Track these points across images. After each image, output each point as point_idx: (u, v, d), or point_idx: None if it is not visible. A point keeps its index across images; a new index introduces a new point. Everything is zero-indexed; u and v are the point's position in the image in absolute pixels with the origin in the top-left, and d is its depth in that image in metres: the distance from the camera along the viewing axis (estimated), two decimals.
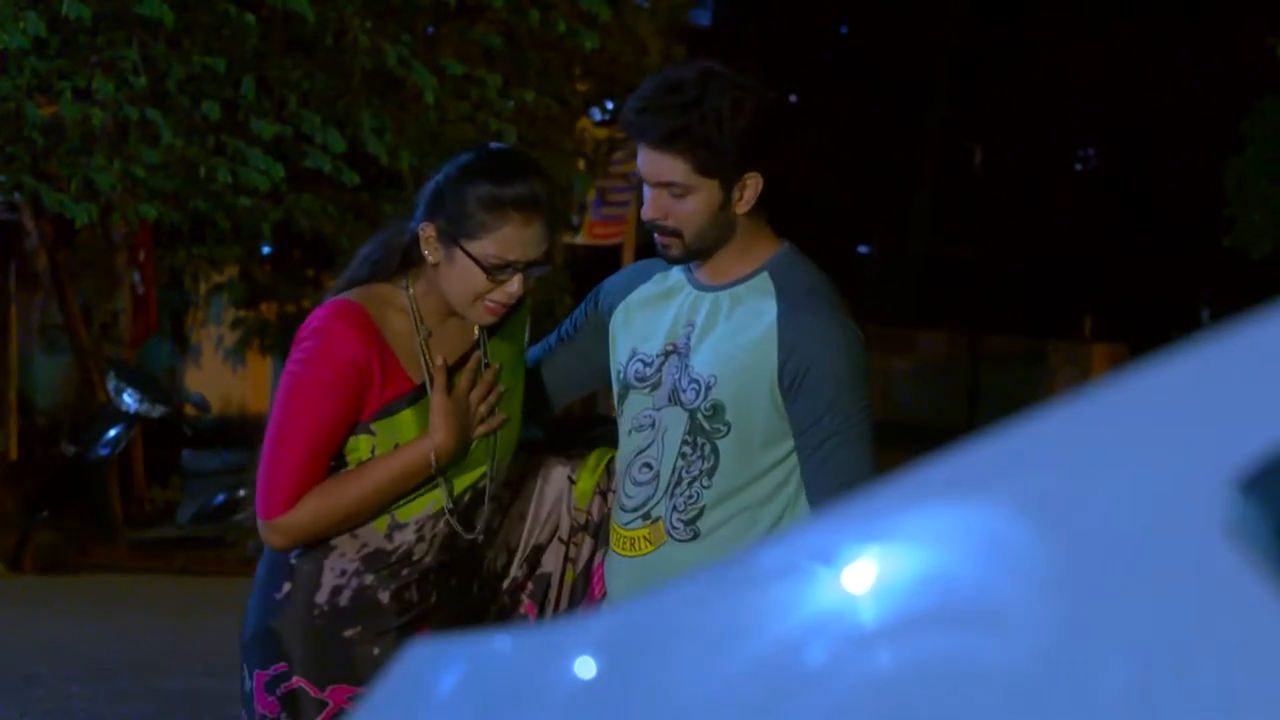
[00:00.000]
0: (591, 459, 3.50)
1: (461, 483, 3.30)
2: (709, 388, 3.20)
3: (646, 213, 3.19)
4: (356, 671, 3.19)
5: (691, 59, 3.28)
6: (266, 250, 15.15)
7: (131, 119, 10.19)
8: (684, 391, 3.23)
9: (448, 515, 3.28)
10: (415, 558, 3.26)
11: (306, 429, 3.17)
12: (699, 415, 3.21)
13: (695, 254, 3.23)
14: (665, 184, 3.15)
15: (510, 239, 3.17)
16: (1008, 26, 28.26)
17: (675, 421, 3.24)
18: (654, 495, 3.25)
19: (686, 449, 3.22)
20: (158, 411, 12.39)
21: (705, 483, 3.20)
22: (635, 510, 3.28)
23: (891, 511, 1.36)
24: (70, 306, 13.56)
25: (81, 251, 14.49)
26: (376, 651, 3.22)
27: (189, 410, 14.32)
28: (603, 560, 3.39)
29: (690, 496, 3.21)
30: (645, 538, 3.26)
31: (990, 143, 29.29)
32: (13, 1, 9.78)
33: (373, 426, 3.21)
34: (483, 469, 3.32)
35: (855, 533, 1.37)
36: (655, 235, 3.24)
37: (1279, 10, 19.81)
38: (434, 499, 3.27)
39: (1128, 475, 1.21)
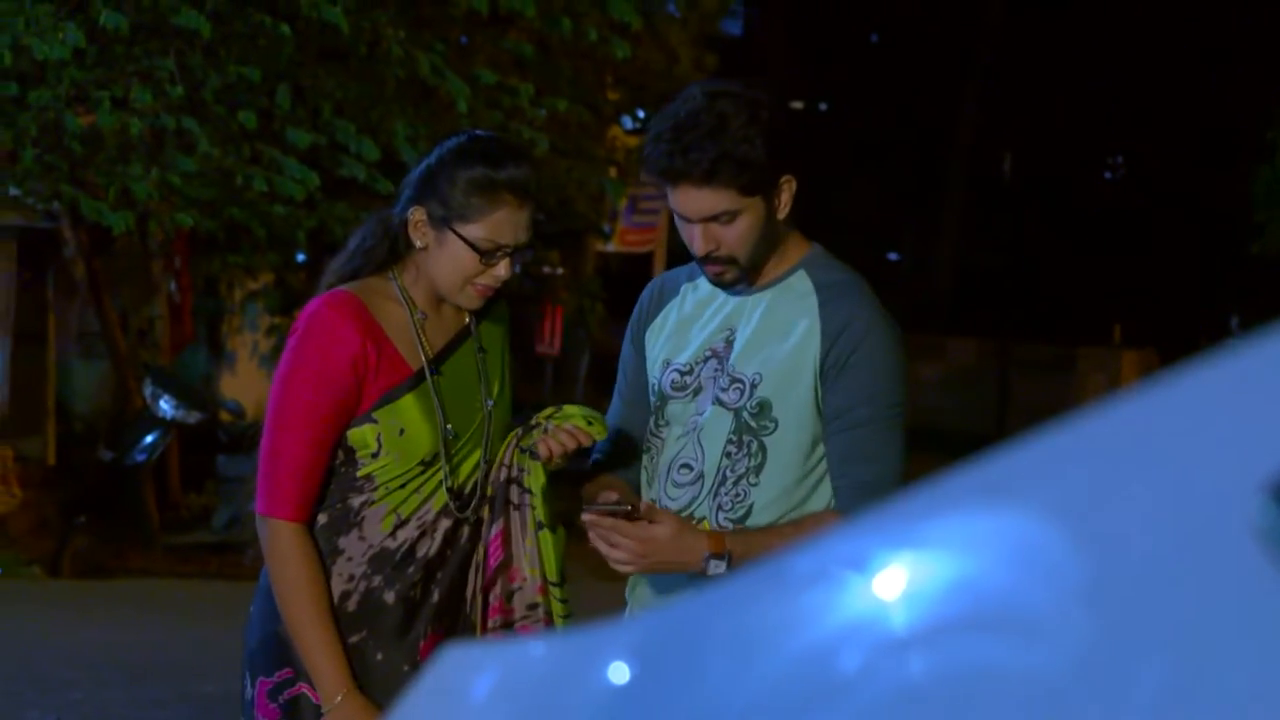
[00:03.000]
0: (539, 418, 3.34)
1: (460, 474, 3.27)
2: (754, 386, 3.18)
3: (699, 248, 3.15)
4: (363, 678, 3.17)
5: (684, 90, 3.22)
6: (301, 258, 15.17)
7: (168, 128, 10.24)
8: (724, 392, 3.20)
9: (451, 506, 3.25)
10: (419, 554, 3.23)
11: (302, 418, 3.15)
12: (744, 414, 3.18)
13: (749, 273, 3.21)
14: (714, 216, 3.12)
15: (503, 222, 3.15)
16: (1037, 37, 28.18)
17: (717, 422, 3.21)
18: (698, 496, 3.20)
19: (732, 448, 3.19)
20: (193, 418, 12.43)
21: (753, 480, 3.17)
22: (679, 513, 3.19)
23: (923, 518, 1.35)
24: (107, 314, 13.61)
25: (119, 259, 14.54)
26: (380, 657, 3.20)
27: (224, 416, 14.35)
28: (500, 531, 3.30)
29: (738, 495, 3.17)
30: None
31: (1020, 151, 29.20)
32: (52, 13, 9.82)
33: (374, 415, 3.18)
34: (477, 458, 3.29)
35: (887, 539, 1.36)
36: (705, 267, 3.21)
37: None
38: (437, 493, 3.24)
39: (1159, 482, 1.21)
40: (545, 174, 12.90)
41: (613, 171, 15.07)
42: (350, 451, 3.20)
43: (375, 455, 3.19)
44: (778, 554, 1.47)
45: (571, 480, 3.48)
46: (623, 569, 3.06)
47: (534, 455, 3.24)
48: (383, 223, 3.29)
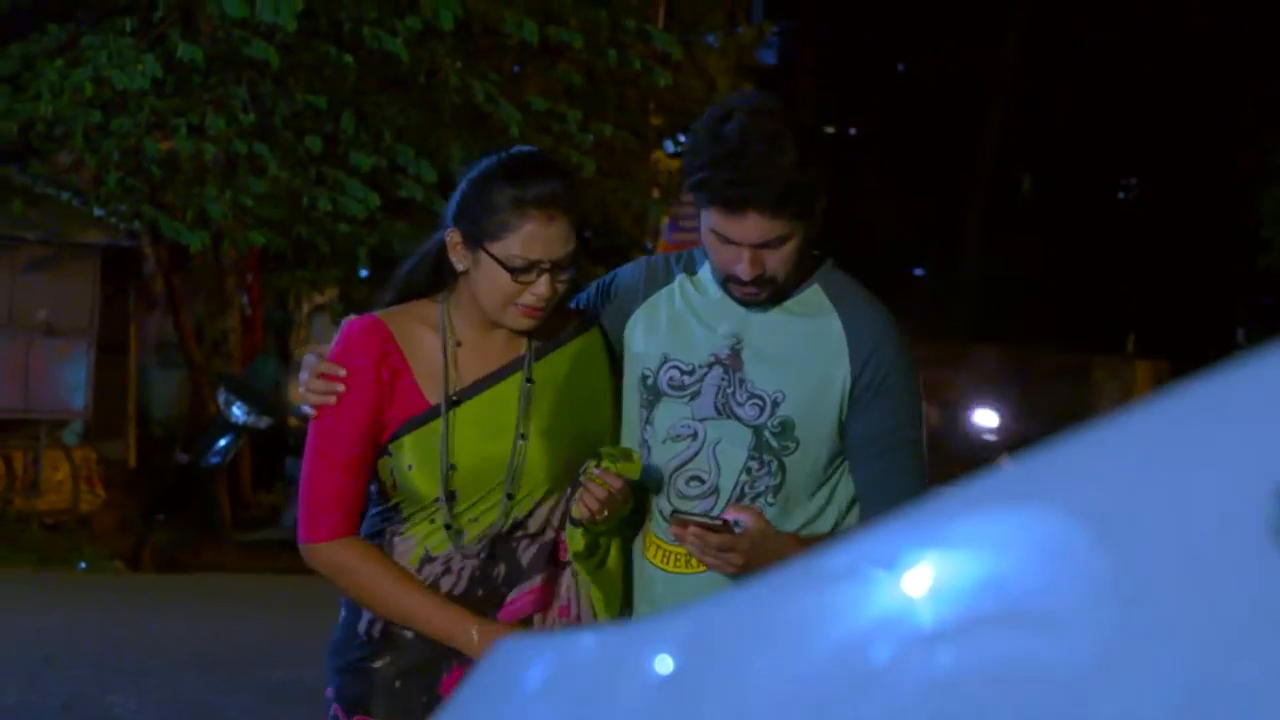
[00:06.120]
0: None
1: (489, 517, 2.97)
2: (776, 404, 2.97)
3: (747, 273, 2.90)
4: (378, 702, 2.98)
5: (718, 108, 2.95)
6: (364, 273, 15.24)
7: (240, 153, 10.30)
8: (740, 407, 2.98)
9: (476, 550, 2.97)
10: (442, 590, 2.97)
11: (328, 443, 2.94)
12: (765, 433, 2.97)
13: (782, 291, 2.99)
14: (767, 242, 2.89)
15: (532, 237, 2.88)
16: (1055, 64, 28.09)
17: (733, 437, 2.98)
18: (711, 510, 2.96)
19: (752, 464, 2.97)
20: (264, 423, 12.48)
21: (770, 499, 2.97)
22: None
23: (949, 518, 1.34)
24: (184, 326, 13.69)
25: (194, 275, 14.63)
26: (398, 685, 2.98)
27: (293, 421, 14.41)
28: (539, 588, 3.00)
29: None
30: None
31: (1039, 172, 29.12)
32: (132, 45, 9.89)
33: (389, 448, 2.95)
34: (499, 500, 2.97)
35: (915, 539, 1.35)
36: (740, 289, 2.96)
37: None
38: (463, 534, 2.98)
39: (1178, 484, 1.20)
40: (592, 195, 12.91)
41: (655, 192, 15.08)
42: (380, 481, 2.99)
43: (395, 487, 2.97)
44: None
45: None
46: (718, 571, 2.85)
47: (574, 522, 2.95)
48: (428, 246, 3.06)
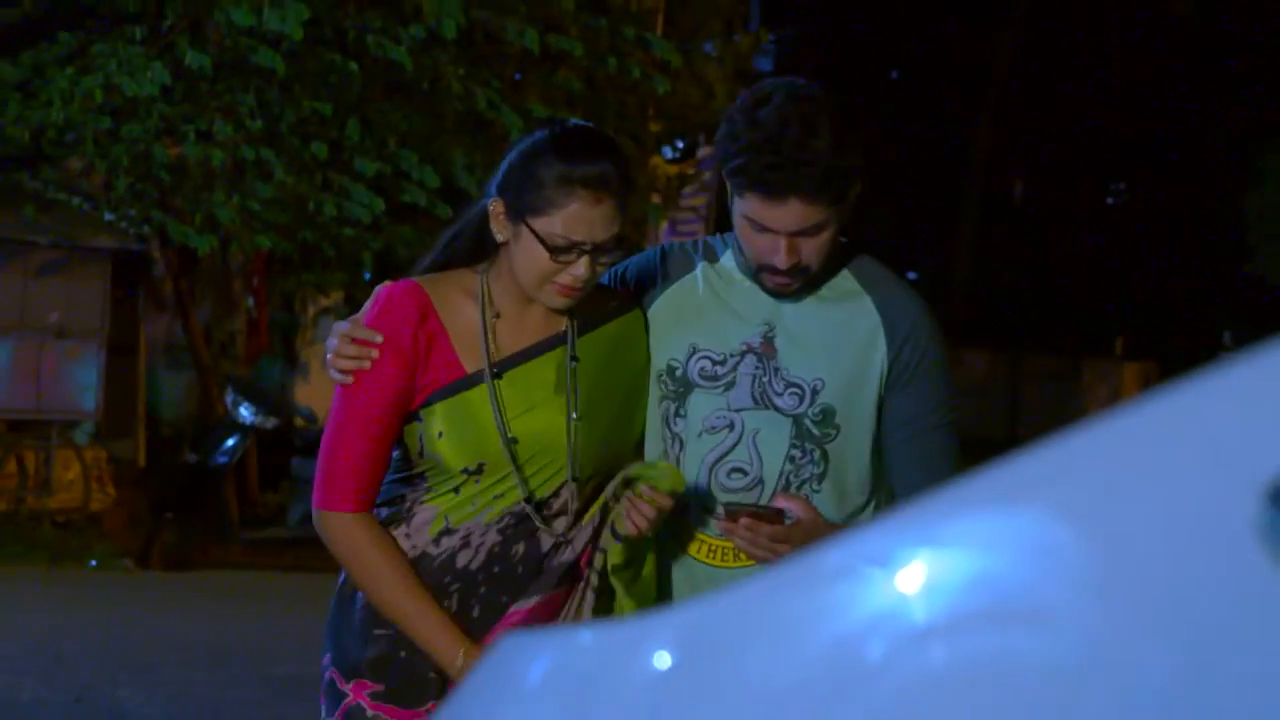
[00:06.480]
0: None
1: (516, 494, 2.82)
2: (815, 392, 2.84)
3: (784, 261, 2.76)
4: (378, 669, 2.84)
5: (756, 90, 2.83)
6: (368, 276, 15.24)
7: (248, 158, 10.30)
8: (778, 396, 2.85)
9: (499, 525, 2.83)
10: (459, 565, 2.82)
11: (355, 409, 2.79)
12: (806, 421, 2.85)
13: (813, 279, 2.86)
14: (804, 229, 2.76)
15: (577, 218, 2.72)
16: (1046, 72, 28.10)
17: (773, 426, 2.85)
18: (758, 502, 2.82)
19: (795, 453, 2.84)
20: (270, 423, 12.48)
21: (816, 487, 2.85)
22: None
23: (942, 518, 1.35)
24: (192, 328, 13.69)
25: (203, 278, 14.63)
26: (403, 655, 2.83)
27: (298, 422, 14.43)
28: (548, 601, 2.86)
29: None
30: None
31: (1030, 178, 29.13)
32: (141, 53, 9.89)
33: (420, 414, 2.80)
34: (557, 476, 2.83)
35: (909, 538, 1.35)
36: (773, 278, 2.82)
37: None
38: (495, 505, 2.83)
39: (1165, 484, 1.20)
40: None
41: (655, 198, 15.07)
42: (405, 447, 2.84)
43: (422, 454, 2.82)
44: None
45: None
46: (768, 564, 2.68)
47: (617, 537, 2.82)
48: (473, 214, 2.90)
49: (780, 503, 2.72)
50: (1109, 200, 32.27)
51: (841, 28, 28.70)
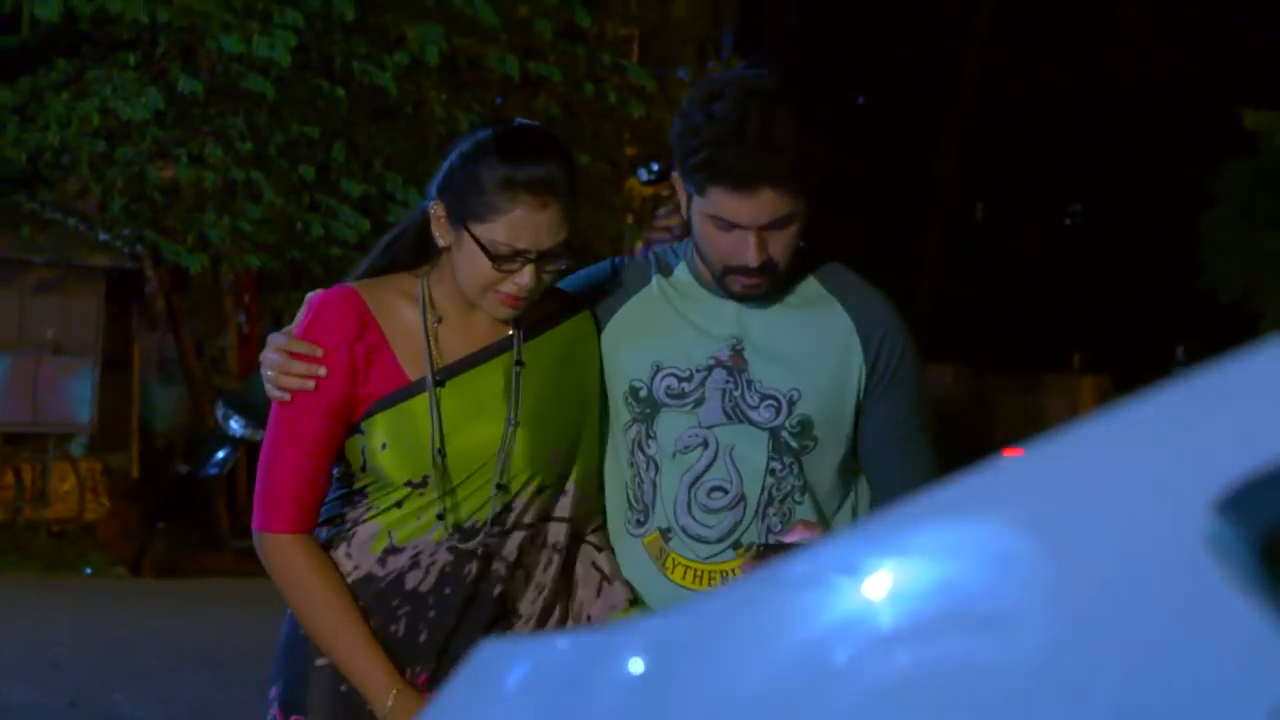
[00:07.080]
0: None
1: (464, 501, 2.57)
2: (792, 403, 2.65)
3: (754, 257, 2.56)
4: (316, 703, 2.60)
5: (703, 86, 2.64)
6: None
7: (238, 180, 10.30)
8: (753, 409, 2.66)
9: (449, 543, 2.58)
10: (408, 586, 2.57)
11: (292, 424, 2.58)
12: (783, 433, 2.66)
13: (778, 284, 2.67)
14: (774, 222, 2.58)
15: (520, 224, 2.45)
16: (1007, 99, 28.21)
17: (749, 441, 2.66)
18: (742, 520, 2.66)
19: (775, 466, 2.66)
20: (260, 436, 12.31)
21: (798, 498, 2.67)
22: (721, 540, 2.67)
23: (907, 528, 1.35)
24: (184, 343, 13.65)
25: (194, 296, 14.59)
26: (344, 689, 2.58)
27: None
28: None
29: (784, 514, 2.66)
30: (738, 570, 2.62)
31: (991, 199, 29.23)
32: (135, 79, 9.88)
33: (362, 426, 2.56)
34: (487, 485, 2.57)
35: (874, 546, 1.35)
36: (741, 279, 2.62)
37: (1246, 83, 19.80)
38: (437, 524, 2.58)
39: (1119, 495, 1.20)
40: None
41: (629, 218, 15.09)
42: (347, 463, 2.60)
43: (364, 469, 2.58)
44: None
45: None
46: None
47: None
48: (412, 217, 2.65)
49: (799, 534, 2.47)
50: (1066, 220, 32.39)
51: (809, 55, 28.79)
